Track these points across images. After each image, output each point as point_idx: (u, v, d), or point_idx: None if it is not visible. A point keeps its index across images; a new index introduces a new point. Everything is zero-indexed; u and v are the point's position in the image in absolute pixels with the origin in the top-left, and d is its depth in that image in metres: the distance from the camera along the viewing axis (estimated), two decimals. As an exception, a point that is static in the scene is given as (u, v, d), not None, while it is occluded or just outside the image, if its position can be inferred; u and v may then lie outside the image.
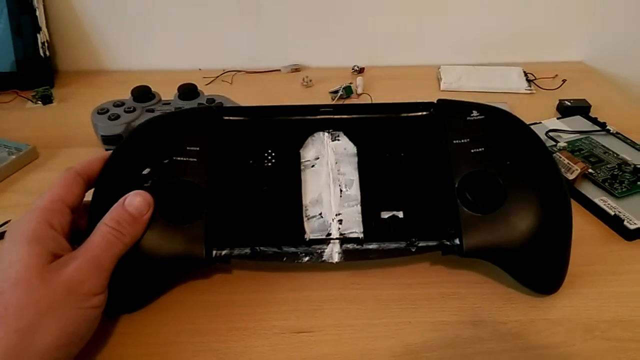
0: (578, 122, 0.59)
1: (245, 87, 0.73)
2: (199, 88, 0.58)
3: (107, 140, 0.52)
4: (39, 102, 0.67)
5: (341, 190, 0.40)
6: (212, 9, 0.74)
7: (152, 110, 0.55)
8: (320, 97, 0.69)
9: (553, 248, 0.38)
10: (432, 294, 0.39)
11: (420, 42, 0.78)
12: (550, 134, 0.56)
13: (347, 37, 0.77)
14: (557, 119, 0.60)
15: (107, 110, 0.54)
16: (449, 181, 0.39)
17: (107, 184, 0.38)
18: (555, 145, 0.53)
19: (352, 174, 0.40)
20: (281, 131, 0.41)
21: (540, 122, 0.59)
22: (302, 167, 0.40)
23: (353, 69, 0.76)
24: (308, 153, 0.41)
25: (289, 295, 0.39)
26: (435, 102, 0.43)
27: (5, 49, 0.68)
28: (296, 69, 0.78)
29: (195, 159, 0.38)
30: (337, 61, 0.78)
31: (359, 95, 0.69)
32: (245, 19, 0.75)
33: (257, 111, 0.43)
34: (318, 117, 0.42)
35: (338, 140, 0.41)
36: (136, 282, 0.35)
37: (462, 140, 0.40)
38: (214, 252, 0.36)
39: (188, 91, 0.57)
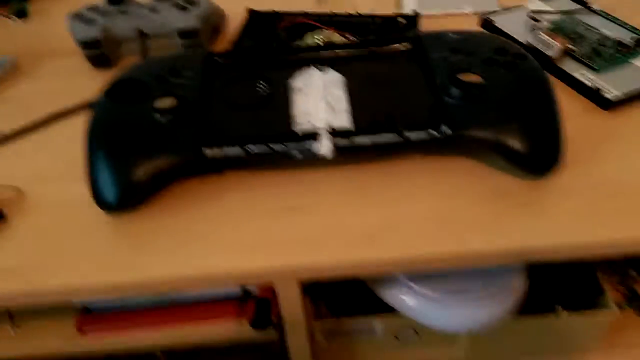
0: (562, 2, 0.58)
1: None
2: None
3: (84, 44, 0.51)
4: (14, 16, 0.66)
5: (331, 106, 0.41)
6: None
7: (126, 12, 0.53)
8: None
9: (542, 123, 0.39)
10: (418, 169, 0.41)
11: None
12: (533, 14, 0.55)
13: None
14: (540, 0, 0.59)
15: (82, 15, 0.53)
16: (432, 83, 0.40)
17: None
18: (537, 25, 0.53)
19: (340, 93, 0.42)
20: (271, 68, 0.44)
21: (522, 6, 0.58)
22: (291, 92, 0.42)
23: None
24: (297, 82, 0.43)
25: (280, 179, 0.41)
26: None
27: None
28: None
29: (189, 81, 0.41)
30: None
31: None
32: None
33: (248, 53, 0.47)
34: (306, 55, 0.46)
35: (325, 72, 0.44)
36: (136, 180, 0.37)
37: (441, 54, 0.42)
38: (206, 150, 0.37)
39: (163, -9, 0.55)
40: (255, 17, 0.59)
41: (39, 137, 0.47)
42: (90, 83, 0.53)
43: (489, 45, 0.43)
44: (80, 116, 0.48)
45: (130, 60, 0.55)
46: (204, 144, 0.38)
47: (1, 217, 0.39)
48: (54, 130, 0.48)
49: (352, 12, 0.60)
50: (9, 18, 0.66)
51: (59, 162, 0.44)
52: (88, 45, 0.52)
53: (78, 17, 0.53)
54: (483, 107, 0.38)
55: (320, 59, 0.46)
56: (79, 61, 0.55)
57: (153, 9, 0.54)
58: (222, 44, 0.57)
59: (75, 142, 0.42)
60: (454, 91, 0.39)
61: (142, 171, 0.37)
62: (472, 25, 0.58)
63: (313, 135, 0.38)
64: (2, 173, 0.44)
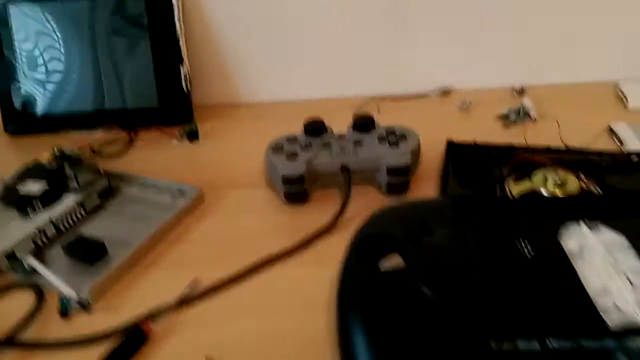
0: None
1: (397, 115, 0.66)
2: (375, 118, 0.51)
3: (287, 181, 0.46)
4: (185, 139, 0.64)
5: (630, 281, 0.32)
6: (351, 34, 0.69)
7: (329, 145, 0.49)
8: (484, 123, 0.62)
9: None
10: None
11: (588, 54, 0.69)
12: None
13: (501, 53, 0.69)
14: None
15: (282, 148, 0.49)
16: None
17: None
18: None
19: (635, 263, 0.34)
20: (523, 221, 0.37)
21: None
22: (565, 257, 0.34)
23: (513, 89, 0.68)
24: (567, 243, 0.36)
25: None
26: None
27: (147, 82, 0.66)
28: (445, 92, 0.70)
29: (444, 240, 0.35)
30: (490, 81, 0.70)
31: (534, 120, 0.61)
32: (386, 39, 0.69)
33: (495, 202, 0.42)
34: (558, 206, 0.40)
35: (598, 230, 0.36)
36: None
37: None
38: (493, 345, 0.29)
39: (364, 122, 0.50)
40: (455, 150, 0.53)
41: (239, 291, 0.41)
42: (285, 219, 0.48)
43: None
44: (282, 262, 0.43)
45: (325, 195, 0.49)
46: (489, 334, 0.30)
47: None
48: (257, 279, 0.42)
49: (568, 145, 0.53)
50: (180, 140, 0.64)
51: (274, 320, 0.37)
52: (290, 182, 0.47)
53: (278, 150, 0.48)
54: None
55: (576, 210, 0.38)
56: (265, 193, 0.51)
57: (357, 143, 0.49)
58: (423, 179, 0.51)
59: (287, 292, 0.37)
60: None
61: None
62: None
63: (635, 330, 0.29)
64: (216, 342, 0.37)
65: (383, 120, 0.55)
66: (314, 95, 0.72)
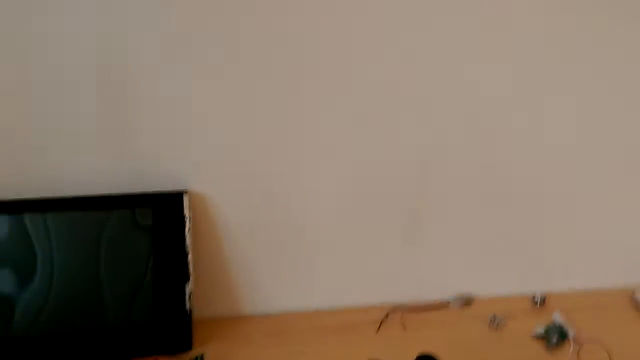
0: None
1: (423, 333, 0.61)
2: None
3: None
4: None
5: None
6: (367, 241, 0.66)
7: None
8: (521, 345, 0.58)
9: None
10: None
11: (606, 260, 0.69)
12: None
13: (519, 261, 0.68)
14: None
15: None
16: None
17: None
18: None
19: None
20: None
21: None
22: None
23: (534, 300, 0.66)
24: None
25: None
26: None
27: (144, 298, 0.57)
28: (467, 302, 0.67)
29: None
30: (509, 288, 0.68)
31: (574, 341, 0.57)
32: (403, 248, 0.67)
33: None
34: None
35: None
36: None
37: None
38: None
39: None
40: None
41: None
42: None
43: None
44: None
45: None
46: None
47: None
48: None
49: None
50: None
51: None
52: None
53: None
54: None
55: None
56: None
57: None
58: None
59: None
60: None
61: None
62: None
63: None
64: None
65: (410, 338, 0.54)
66: (327, 304, 0.66)
